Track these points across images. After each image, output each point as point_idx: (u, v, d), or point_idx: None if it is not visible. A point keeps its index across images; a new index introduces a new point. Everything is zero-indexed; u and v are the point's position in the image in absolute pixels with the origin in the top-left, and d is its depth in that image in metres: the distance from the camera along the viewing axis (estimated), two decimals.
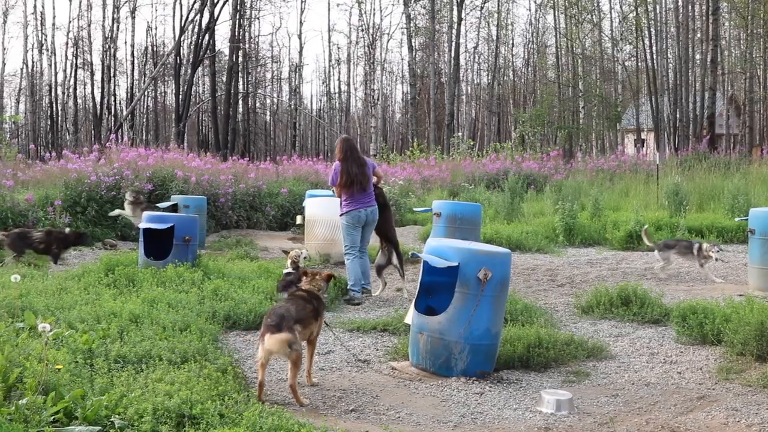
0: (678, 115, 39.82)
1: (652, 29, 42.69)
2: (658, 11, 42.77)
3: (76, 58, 58.33)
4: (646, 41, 43.41)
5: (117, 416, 4.63)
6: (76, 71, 58.73)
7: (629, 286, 9.52)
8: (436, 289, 7.01)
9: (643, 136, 46.87)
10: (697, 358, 7.43)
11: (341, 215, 10.46)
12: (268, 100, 70.38)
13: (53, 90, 56.61)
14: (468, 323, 6.50)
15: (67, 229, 13.05)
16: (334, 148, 11.58)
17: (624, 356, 7.57)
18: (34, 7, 57.43)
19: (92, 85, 59.43)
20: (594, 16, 50.58)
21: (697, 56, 42.27)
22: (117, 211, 15.46)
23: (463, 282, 6.55)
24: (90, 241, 14.37)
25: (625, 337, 8.27)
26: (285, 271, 10.07)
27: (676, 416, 5.75)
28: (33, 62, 57.13)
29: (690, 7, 41.28)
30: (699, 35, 42.24)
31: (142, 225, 11.07)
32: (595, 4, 50.14)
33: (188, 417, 4.73)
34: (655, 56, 42.17)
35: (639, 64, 48.12)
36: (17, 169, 19.10)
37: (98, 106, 55.54)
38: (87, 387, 5.07)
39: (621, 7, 50.22)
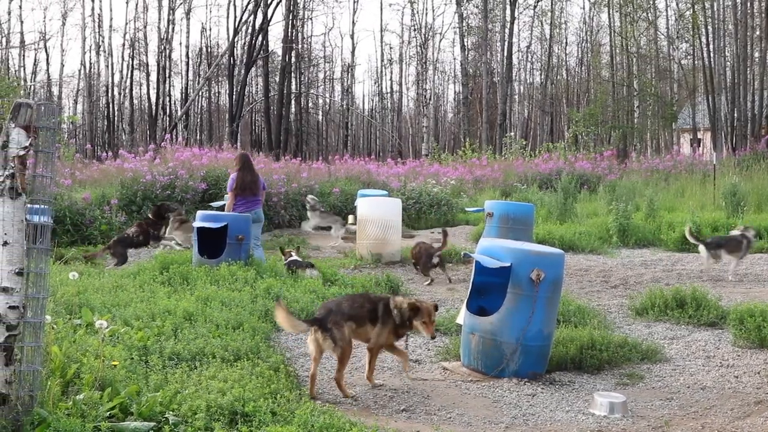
0: (736, 114, 38.95)
1: (709, 27, 41.82)
2: (715, 8, 41.88)
3: (133, 60, 59.39)
4: (703, 39, 42.53)
5: (171, 412, 4.70)
6: (132, 72, 59.78)
7: (684, 287, 9.37)
8: (489, 289, 6.98)
9: (699, 135, 45.94)
10: (754, 361, 7.29)
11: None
12: (321, 100, 70.69)
13: (110, 91, 57.62)
14: (521, 324, 6.47)
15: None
16: (233, 162, 13.58)
17: (679, 359, 7.45)
18: (92, 9, 58.14)
19: (148, 85, 60.47)
20: (649, 14, 49.76)
21: (756, 54, 41.31)
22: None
23: (516, 283, 6.51)
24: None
25: (680, 340, 8.14)
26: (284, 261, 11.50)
27: (733, 421, 5.64)
28: (91, 64, 58.09)
29: (749, 4, 40.34)
30: (758, 32, 41.27)
31: (196, 224, 11.21)
32: (651, 2, 49.33)
33: (241, 414, 4.78)
34: (712, 54, 41.31)
35: (695, 62, 47.21)
36: (75, 169, 19.53)
37: (153, 107, 56.34)
38: (142, 383, 5.16)
39: (677, 4, 49.25)
